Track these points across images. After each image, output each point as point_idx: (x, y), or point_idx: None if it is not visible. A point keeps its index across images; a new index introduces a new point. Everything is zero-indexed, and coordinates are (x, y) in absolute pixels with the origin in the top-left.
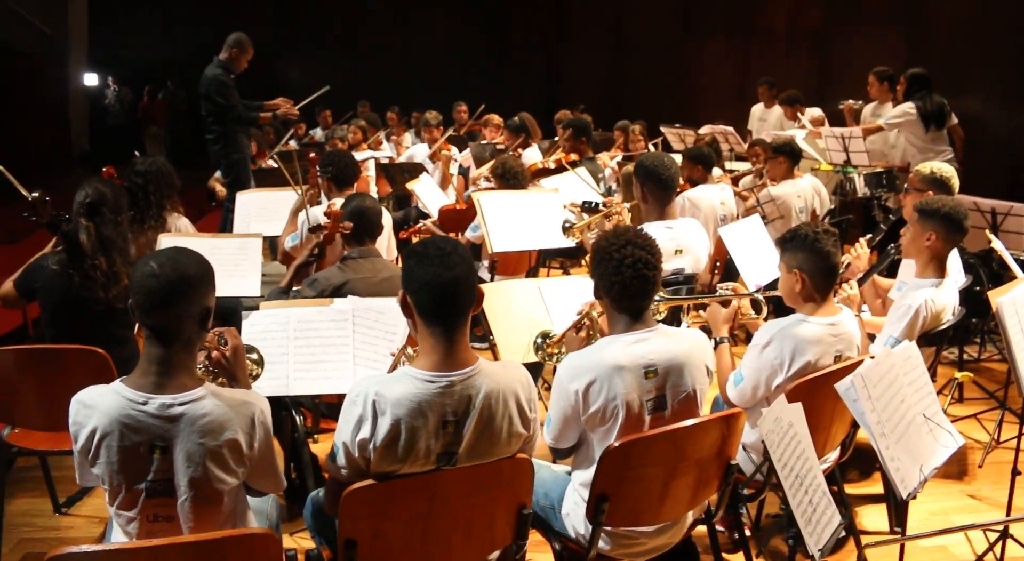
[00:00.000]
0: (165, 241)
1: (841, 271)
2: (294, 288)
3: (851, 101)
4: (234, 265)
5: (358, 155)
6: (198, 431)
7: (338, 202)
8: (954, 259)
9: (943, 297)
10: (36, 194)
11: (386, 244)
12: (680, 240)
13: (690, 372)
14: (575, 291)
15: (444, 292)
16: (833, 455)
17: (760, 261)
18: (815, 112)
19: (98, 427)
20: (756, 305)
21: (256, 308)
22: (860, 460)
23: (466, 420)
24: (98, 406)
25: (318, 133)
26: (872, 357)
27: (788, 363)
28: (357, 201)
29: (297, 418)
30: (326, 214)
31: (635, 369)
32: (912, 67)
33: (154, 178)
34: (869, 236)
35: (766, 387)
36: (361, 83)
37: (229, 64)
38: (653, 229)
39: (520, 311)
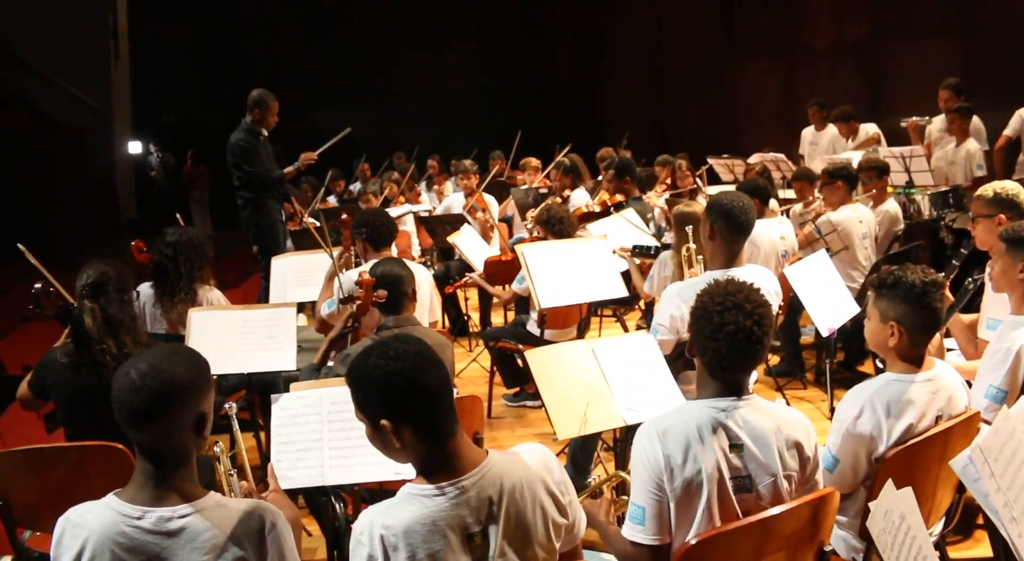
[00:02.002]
0: (195, 316)
1: None
2: (328, 364)
3: (916, 118)
4: (268, 338)
5: (395, 210)
6: (200, 548)
7: (367, 269)
8: None
9: None
10: (38, 285)
11: (428, 306)
12: None
13: (777, 453)
14: (631, 350)
15: (432, 393)
16: (938, 527)
17: (831, 302)
18: (870, 129)
19: (85, 549)
20: None
21: (295, 378)
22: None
23: (493, 525)
24: (88, 524)
25: (357, 188)
26: (987, 423)
27: (887, 431)
28: (386, 267)
29: (337, 505)
30: (357, 283)
31: (720, 440)
32: (969, 76)
33: (184, 249)
34: (941, 274)
35: (868, 463)
36: (397, 132)
37: (255, 126)
38: (716, 278)
39: (573, 375)
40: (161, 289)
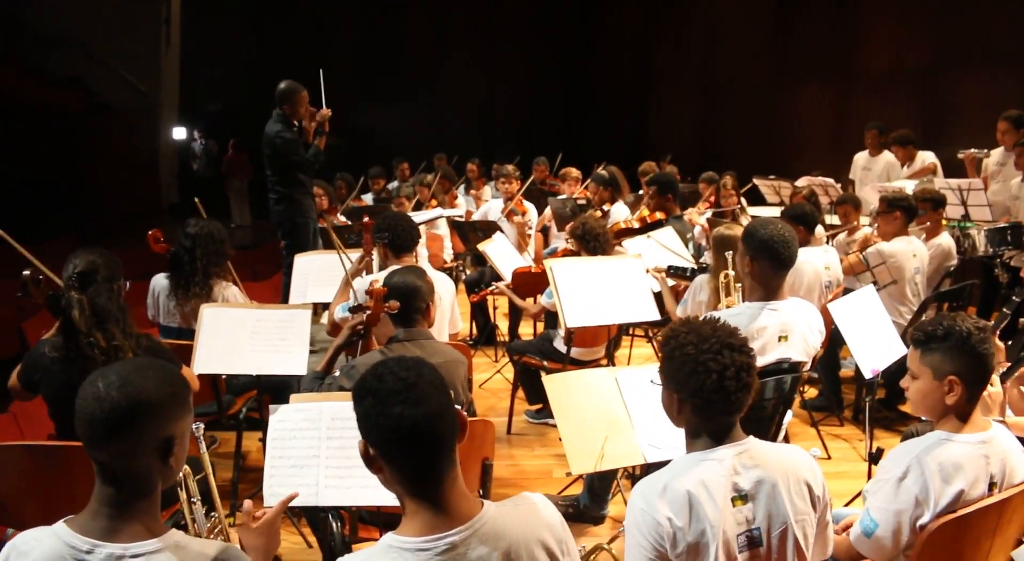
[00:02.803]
0: (207, 312)
1: None
2: (332, 374)
3: (974, 150)
4: (280, 340)
5: (422, 214)
6: None
7: (367, 281)
8: None
9: None
10: (27, 273)
11: (448, 316)
12: (786, 324)
13: (788, 497)
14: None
15: (419, 436)
16: None
17: (877, 341)
18: (928, 157)
19: None
20: None
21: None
22: None
23: None
24: (32, 553)
25: (394, 186)
26: None
27: (935, 497)
28: (402, 276)
29: (334, 523)
30: (368, 293)
31: (722, 495)
32: None
33: (203, 242)
34: (991, 324)
35: (911, 530)
36: (442, 133)
37: (287, 117)
38: (758, 312)
39: (593, 404)
40: (176, 281)
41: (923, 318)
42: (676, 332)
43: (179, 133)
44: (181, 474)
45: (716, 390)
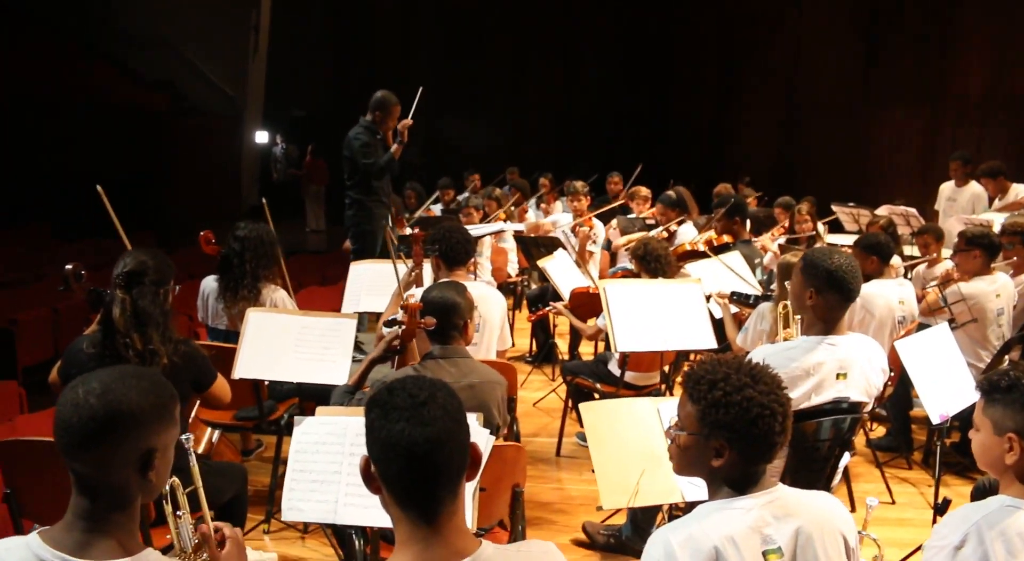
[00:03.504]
0: (252, 316)
1: None
2: (363, 390)
3: None
4: (324, 348)
5: (484, 227)
6: None
7: (418, 294)
8: None
9: None
10: (70, 267)
11: (497, 333)
12: (845, 361)
13: (823, 552)
14: None
15: (418, 458)
16: None
17: (947, 383)
18: (1021, 190)
19: None
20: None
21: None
22: None
23: None
24: None
25: (464, 198)
26: None
27: None
28: (440, 292)
29: (358, 541)
30: (403, 307)
31: (751, 548)
32: None
33: (252, 245)
34: None
35: None
36: (518, 146)
37: (374, 125)
38: (814, 346)
39: (632, 436)
40: (224, 284)
41: (1005, 359)
42: (719, 373)
43: (262, 137)
44: (169, 486)
45: (773, 433)
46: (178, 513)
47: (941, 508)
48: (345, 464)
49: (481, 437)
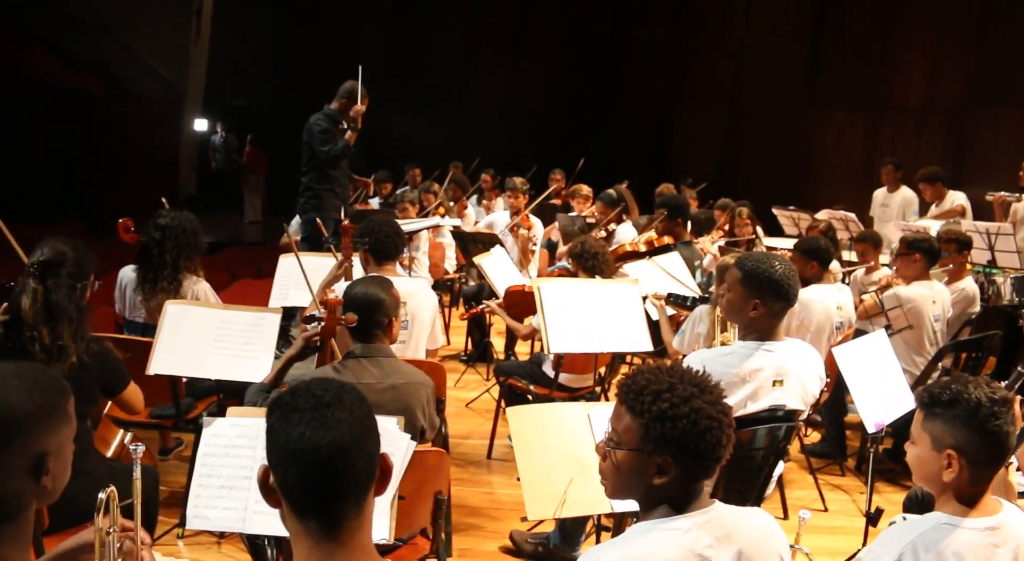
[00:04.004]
0: (171, 309)
1: None
2: (279, 389)
3: (1004, 193)
4: (244, 344)
5: (418, 223)
6: None
7: (340, 289)
8: None
9: None
10: None
11: (428, 331)
12: (782, 367)
13: None
14: None
15: (318, 465)
16: None
17: (883, 391)
18: (958, 198)
19: None
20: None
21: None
22: None
23: None
24: None
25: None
26: None
27: None
28: (364, 287)
29: (270, 550)
30: (322, 303)
31: None
32: None
33: (173, 234)
34: (1006, 383)
35: None
36: (462, 141)
37: (336, 113)
38: (752, 352)
39: (560, 443)
40: (143, 274)
41: (938, 367)
42: (663, 383)
43: (201, 125)
44: (104, 495)
45: (720, 446)
46: (109, 529)
47: (873, 518)
48: (257, 469)
49: (401, 442)
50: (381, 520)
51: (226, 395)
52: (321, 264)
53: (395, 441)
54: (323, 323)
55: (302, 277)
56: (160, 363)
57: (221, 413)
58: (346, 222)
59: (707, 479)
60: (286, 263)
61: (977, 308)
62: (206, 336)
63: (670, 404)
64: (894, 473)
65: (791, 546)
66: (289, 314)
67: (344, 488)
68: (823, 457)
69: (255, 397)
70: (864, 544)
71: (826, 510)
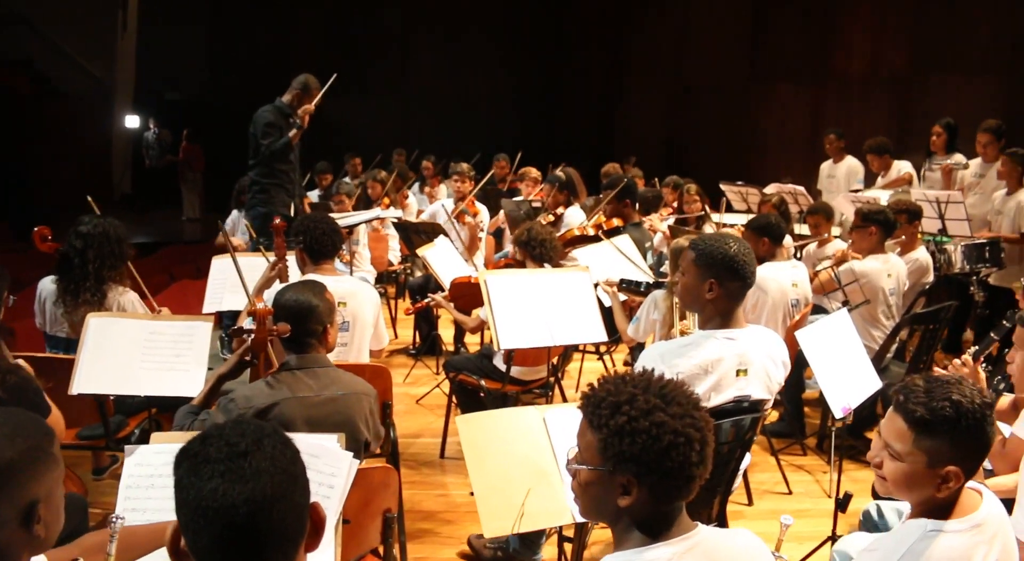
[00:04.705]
0: (93, 322)
1: None
2: (211, 409)
3: (951, 161)
4: (175, 356)
5: (355, 217)
6: None
7: (268, 297)
8: None
9: None
10: None
11: (370, 332)
12: (745, 356)
13: None
14: None
15: (235, 526)
16: None
17: (849, 374)
18: (904, 167)
19: None
20: None
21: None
22: None
23: None
24: None
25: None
26: None
27: None
28: (294, 295)
29: None
30: (251, 314)
31: None
32: (1010, 121)
33: (96, 242)
34: (974, 349)
35: None
36: (402, 129)
37: (286, 106)
38: (712, 341)
39: (516, 452)
40: (64, 286)
41: (896, 341)
42: (623, 394)
43: (132, 122)
44: None
45: (689, 464)
46: None
47: (843, 503)
48: None
49: (343, 462)
50: (325, 548)
51: (160, 410)
52: (259, 265)
53: (336, 461)
54: (253, 336)
55: (238, 280)
56: (84, 382)
57: (158, 429)
58: (277, 220)
59: (680, 500)
60: (220, 264)
61: (931, 278)
62: (133, 349)
63: (628, 417)
64: (855, 450)
65: (774, 554)
66: (231, 318)
67: (268, 550)
68: (783, 437)
69: (184, 420)
70: (834, 529)
71: (790, 493)
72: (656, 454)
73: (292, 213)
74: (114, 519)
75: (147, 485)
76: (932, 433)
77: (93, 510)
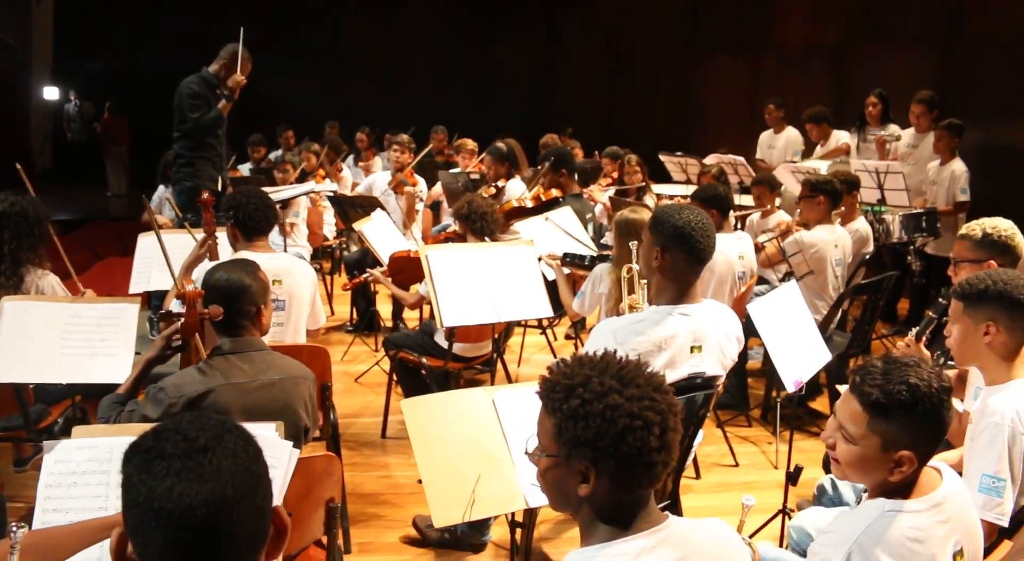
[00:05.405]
0: (8, 306)
1: None
2: (136, 400)
3: (884, 132)
4: (100, 340)
5: (288, 191)
6: None
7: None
8: None
9: None
10: None
11: (307, 311)
12: (699, 332)
13: None
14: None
15: (193, 529)
16: None
17: (799, 346)
18: (842, 136)
19: None
20: None
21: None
22: None
23: None
24: None
25: (277, 156)
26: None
27: None
28: (225, 274)
29: None
30: (179, 297)
31: None
32: (944, 90)
33: (12, 223)
34: (915, 330)
35: None
36: (335, 101)
37: (212, 77)
38: (665, 317)
39: (463, 435)
40: None
41: (839, 311)
42: (577, 377)
43: (52, 93)
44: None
45: (648, 450)
46: None
47: (793, 476)
48: (112, 498)
49: (283, 452)
50: None
51: (85, 397)
52: (186, 243)
53: (276, 452)
54: (182, 320)
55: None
56: (1, 370)
57: (83, 418)
58: (205, 195)
59: (644, 488)
60: (146, 242)
61: (871, 248)
62: (53, 334)
63: (582, 401)
64: (801, 420)
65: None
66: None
67: (227, 557)
68: (728, 409)
69: (109, 411)
70: (784, 502)
71: (737, 465)
72: (611, 438)
73: (220, 188)
74: (14, 529)
75: (69, 483)
76: (887, 417)
77: (15, 504)
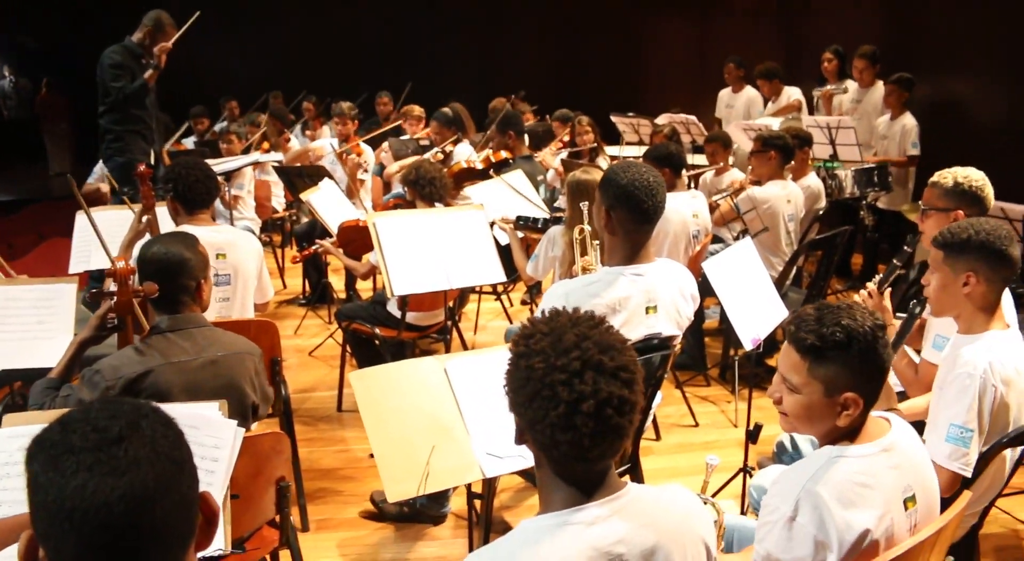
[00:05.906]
0: None
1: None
2: (71, 384)
3: (830, 87)
4: (37, 323)
5: (232, 162)
6: None
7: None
8: (1006, 300)
9: (1010, 354)
10: None
11: (254, 284)
12: (653, 292)
13: None
14: (494, 370)
15: (110, 528)
16: None
17: (756, 304)
18: (793, 93)
19: None
20: None
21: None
22: None
23: None
24: None
25: (221, 128)
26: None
27: (838, 533)
28: (161, 248)
29: None
30: (110, 274)
31: None
32: (893, 44)
33: None
34: (878, 278)
35: None
36: (277, 69)
37: (135, 46)
38: (618, 278)
39: (417, 407)
40: None
41: (794, 268)
42: (531, 331)
43: None
44: None
45: (565, 428)
46: None
47: (753, 435)
48: None
49: (227, 432)
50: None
51: (25, 382)
52: (125, 218)
53: (218, 431)
54: (115, 298)
55: (107, 236)
56: None
57: (23, 404)
58: (142, 167)
59: (580, 463)
60: (85, 221)
61: (823, 203)
62: None
63: (516, 355)
64: (759, 377)
65: (699, 496)
66: (98, 278)
67: (151, 554)
68: (686, 369)
69: (42, 396)
70: (745, 460)
71: (697, 425)
72: (523, 401)
73: (153, 161)
74: None
75: (2, 474)
76: (825, 360)
77: None
